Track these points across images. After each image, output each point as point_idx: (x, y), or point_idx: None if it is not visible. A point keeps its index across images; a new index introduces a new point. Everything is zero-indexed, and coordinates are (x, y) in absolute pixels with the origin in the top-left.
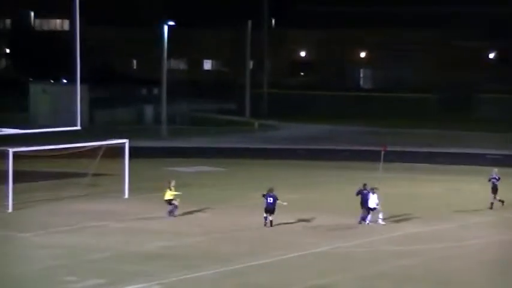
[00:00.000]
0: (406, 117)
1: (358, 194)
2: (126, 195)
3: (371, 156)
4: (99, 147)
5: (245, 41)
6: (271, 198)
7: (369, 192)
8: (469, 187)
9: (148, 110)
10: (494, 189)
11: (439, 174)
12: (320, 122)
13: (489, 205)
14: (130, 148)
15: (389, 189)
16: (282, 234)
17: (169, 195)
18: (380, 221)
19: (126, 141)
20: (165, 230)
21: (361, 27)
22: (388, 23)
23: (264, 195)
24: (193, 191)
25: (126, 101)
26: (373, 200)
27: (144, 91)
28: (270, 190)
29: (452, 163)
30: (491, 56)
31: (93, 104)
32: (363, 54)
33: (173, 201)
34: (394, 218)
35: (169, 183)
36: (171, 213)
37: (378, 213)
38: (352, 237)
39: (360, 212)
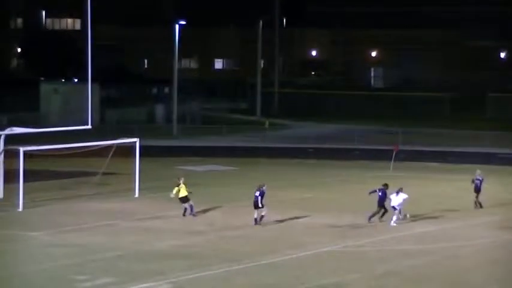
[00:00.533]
0: (417, 116)
1: (376, 191)
2: (137, 194)
3: (382, 156)
4: (110, 146)
5: (256, 40)
6: (258, 192)
7: (394, 192)
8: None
9: (159, 109)
10: (477, 190)
11: (450, 173)
12: (331, 121)
13: (474, 205)
14: (141, 147)
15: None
16: (291, 233)
17: (184, 191)
18: (392, 222)
19: (136, 140)
20: (175, 229)
21: (372, 27)
22: (399, 23)
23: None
24: (204, 190)
25: (137, 100)
26: (397, 200)
27: (155, 90)
28: (260, 186)
29: (463, 162)
30: (503, 55)
31: (104, 103)
32: (373, 54)
33: (190, 201)
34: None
35: (179, 179)
36: (192, 212)
37: (396, 214)
38: (361, 237)
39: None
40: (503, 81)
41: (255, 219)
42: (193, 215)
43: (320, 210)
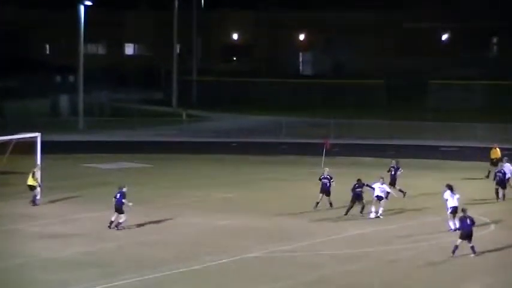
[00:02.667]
0: (352, 105)
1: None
2: (39, 196)
3: (312, 150)
4: (9, 141)
5: (172, 23)
6: (119, 195)
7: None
8: (420, 183)
9: (64, 101)
10: (325, 190)
11: (386, 169)
12: (256, 112)
13: (315, 204)
14: (43, 143)
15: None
16: (213, 237)
17: (31, 180)
18: (377, 214)
19: (38, 135)
20: (84, 234)
21: (300, 9)
22: (329, 4)
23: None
24: (114, 190)
25: (39, 90)
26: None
27: (58, 79)
28: (120, 187)
29: (402, 157)
30: (444, 37)
31: (2, 95)
32: (302, 38)
33: (36, 189)
34: (336, 219)
35: (34, 167)
36: (34, 202)
37: (379, 206)
38: (290, 240)
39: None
40: (446, 66)
41: (111, 222)
42: (33, 205)
43: (244, 212)
